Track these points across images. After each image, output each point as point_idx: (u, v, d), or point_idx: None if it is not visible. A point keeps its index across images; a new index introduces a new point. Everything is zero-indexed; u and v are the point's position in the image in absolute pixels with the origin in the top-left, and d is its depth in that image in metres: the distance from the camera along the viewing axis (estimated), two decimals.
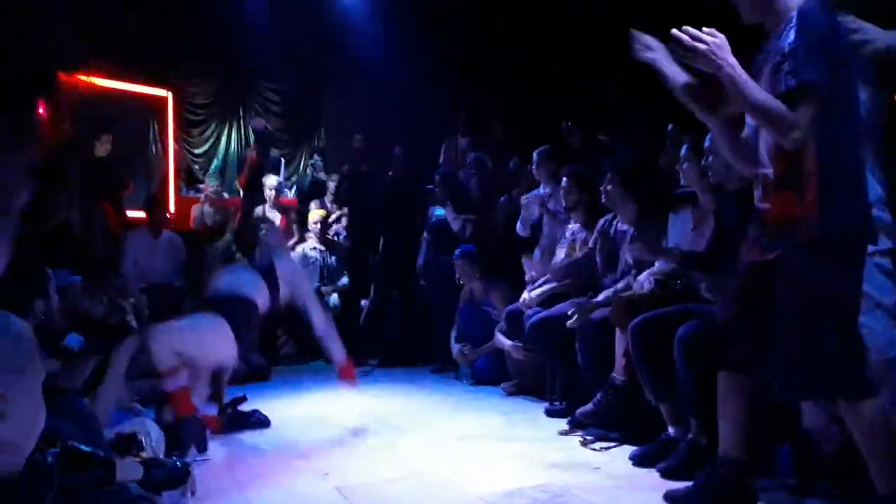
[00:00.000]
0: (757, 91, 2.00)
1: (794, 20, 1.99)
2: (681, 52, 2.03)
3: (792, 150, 2.01)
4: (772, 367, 2.13)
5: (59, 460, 1.74)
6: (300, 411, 4.31)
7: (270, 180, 7.10)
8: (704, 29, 2.02)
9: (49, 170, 5.40)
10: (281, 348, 6.35)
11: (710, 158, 3.11)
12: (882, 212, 2.42)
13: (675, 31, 2.02)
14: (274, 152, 8.81)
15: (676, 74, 2.21)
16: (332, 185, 7.06)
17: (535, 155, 5.08)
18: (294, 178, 10.32)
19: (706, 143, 3.07)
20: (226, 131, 11.15)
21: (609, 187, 3.76)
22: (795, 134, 1.98)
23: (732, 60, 2.00)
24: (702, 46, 1.99)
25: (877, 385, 2.04)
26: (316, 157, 9.04)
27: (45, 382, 1.73)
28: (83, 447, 1.86)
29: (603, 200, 3.83)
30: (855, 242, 2.04)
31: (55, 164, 5.35)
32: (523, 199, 5.13)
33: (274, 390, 5.04)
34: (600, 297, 3.73)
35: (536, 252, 4.87)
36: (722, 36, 2.02)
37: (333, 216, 7.16)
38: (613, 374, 3.36)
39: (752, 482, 2.34)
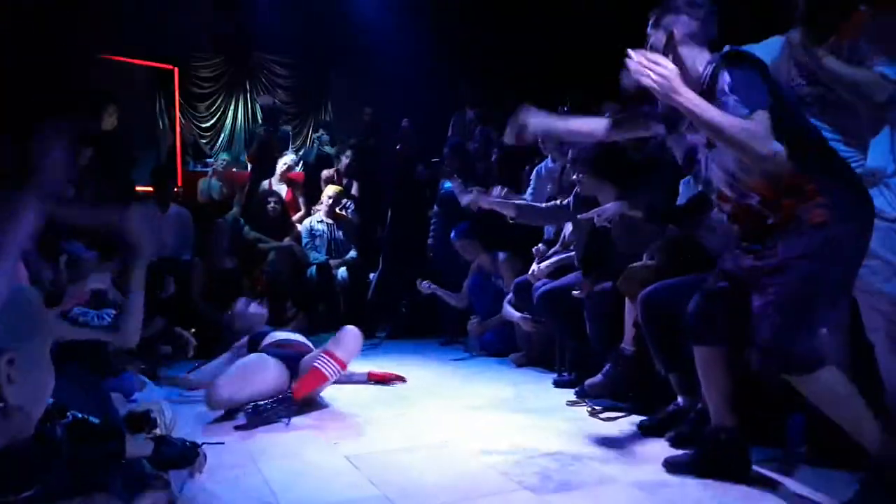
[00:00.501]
0: (719, 115, 2.01)
1: (722, 67, 2.11)
2: (640, 73, 2.05)
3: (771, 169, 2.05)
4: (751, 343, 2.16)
5: (68, 431, 1.74)
6: None
7: (286, 159, 7.08)
8: (656, 57, 2.07)
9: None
10: (290, 321, 6.37)
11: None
12: None
13: (629, 61, 2.06)
14: (284, 127, 8.78)
15: None
16: (344, 161, 7.02)
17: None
18: (301, 153, 10.32)
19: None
20: (232, 105, 11.13)
21: (582, 179, 3.74)
22: (770, 145, 1.98)
23: (685, 90, 2.02)
24: (648, 80, 2.02)
25: (826, 355, 2.09)
26: (322, 130, 9.01)
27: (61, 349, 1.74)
28: (93, 419, 1.87)
29: (581, 193, 3.81)
30: (855, 229, 2.08)
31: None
32: (533, 175, 5.09)
33: None
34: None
35: (548, 227, 4.86)
36: (672, 67, 2.04)
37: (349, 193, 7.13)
38: (622, 345, 3.36)
39: (746, 448, 2.42)
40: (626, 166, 3.68)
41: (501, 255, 5.17)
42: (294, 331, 3.88)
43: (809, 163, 2.08)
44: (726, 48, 2.20)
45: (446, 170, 5.69)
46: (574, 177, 3.80)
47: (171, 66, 9.26)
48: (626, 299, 3.29)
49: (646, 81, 2.03)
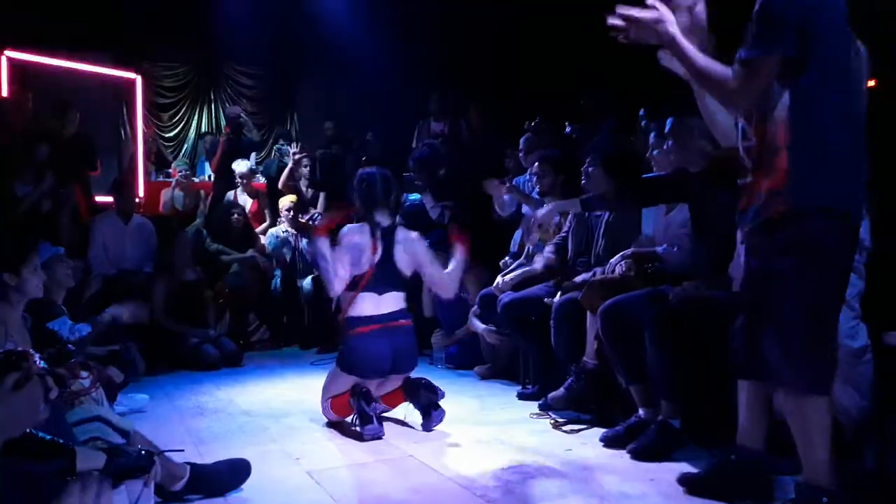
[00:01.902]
0: (699, 58, 2.00)
1: None
2: (623, 33, 2.03)
3: (765, 122, 1.99)
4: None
5: (11, 449, 1.69)
6: (272, 396, 4.29)
7: (241, 166, 7.01)
8: (648, 1, 2.04)
9: (16, 152, 5.30)
10: (253, 334, 6.30)
11: (670, 143, 3.14)
12: None
13: (612, 20, 2.03)
14: (252, 135, 8.69)
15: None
16: (305, 171, 6.98)
17: (521, 142, 5.11)
18: (262, 163, 10.23)
19: (666, 128, 3.09)
20: (196, 115, 11.01)
21: (591, 169, 3.75)
22: (741, 102, 1.99)
23: (673, 30, 2.01)
24: (645, 17, 2.00)
25: (829, 384, 2.01)
26: (282, 141, 8.94)
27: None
28: (42, 435, 1.82)
29: (583, 182, 3.83)
30: (829, 219, 1.95)
31: (23, 147, 5.25)
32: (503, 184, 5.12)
33: (246, 376, 5.01)
34: (578, 278, 3.72)
35: (515, 236, 4.89)
36: (663, 8, 2.03)
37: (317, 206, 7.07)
38: (585, 359, 3.38)
39: (769, 472, 2.31)
40: (637, 172, 3.72)
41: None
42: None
43: (802, 135, 1.96)
44: None
45: (417, 184, 5.67)
46: (584, 167, 3.81)
47: (133, 75, 9.12)
48: (588, 312, 3.31)
49: (644, 18, 2.01)
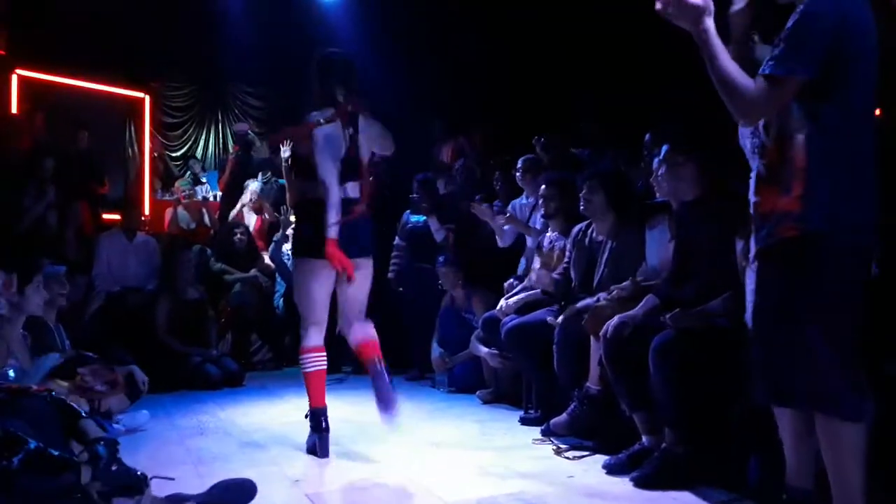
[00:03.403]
0: (727, 62, 1.93)
1: (804, 4, 1.90)
2: (664, 3, 1.93)
3: (783, 142, 1.95)
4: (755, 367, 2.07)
5: (24, 463, 1.69)
6: (273, 417, 4.27)
7: (253, 185, 7.05)
8: None
9: (23, 169, 5.34)
10: (255, 354, 6.29)
11: (661, 172, 3.15)
12: None
13: None
14: (261, 152, 8.73)
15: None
16: None
17: (519, 162, 5.08)
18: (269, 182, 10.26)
19: (655, 162, 3.10)
20: (203, 135, 11.08)
21: (592, 196, 3.73)
22: (753, 116, 1.94)
23: (710, 25, 1.93)
24: (685, 3, 1.91)
25: (863, 409, 1.94)
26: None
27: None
28: (51, 451, 1.82)
29: (582, 209, 3.81)
30: (843, 243, 1.92)
31: (30, 162, 5.29)
32: (508, 210, 5.11)
33: (247, 396, 4.99)
34: (581, 303, 3.69)
35: (522, 261, 4.86)
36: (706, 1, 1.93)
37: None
38: (587, 384, 3.35)
39: None
40: (635, 205, 3.72)
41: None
42: None
43: (820, 157, 1.91)
44: None
45: (423, 206, 5.68)
46: (582, 192, 3.79)
47: (142, 94, 9.21)
48: (591, 338, 3.29)
49: (671, 13, 1.91)
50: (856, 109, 1.95)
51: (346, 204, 3.35)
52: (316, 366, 3.41)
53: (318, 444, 3.32)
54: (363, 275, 3.49)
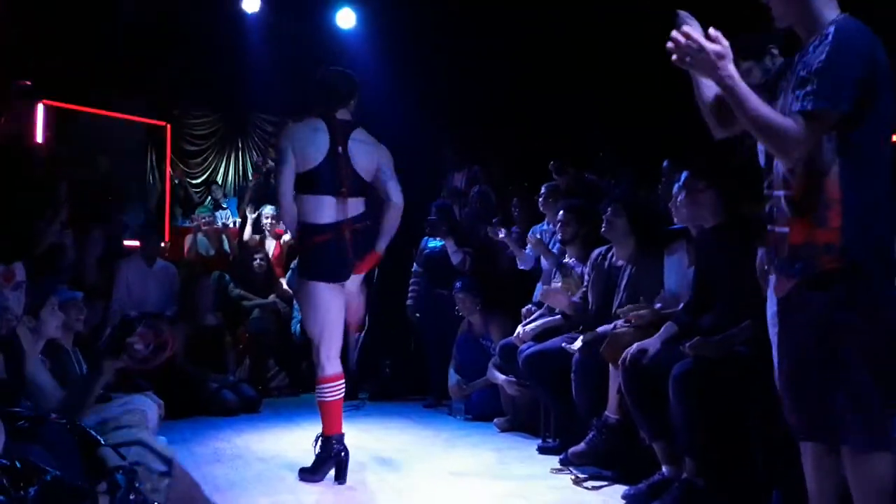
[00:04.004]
0: (758, 104, 1.89)
1: (831, 36, 1.87)
2: (680, 54, 1.90)
3: (813, 172, 1.93)
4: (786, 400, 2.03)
5: (41, 494, 1.68)
6: (289, 445, 4.24)
7: (267, 209, 7.11)
8: (712, 32, 1.90)
9: (37, 191, 5.41)
10: (272, 380, 6.28)
11: (680, 199, 3.13)
12: None
13: (675, 33, 1.89)
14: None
15: (708, 87, 2.10)
16: None
17: (543, 188, 5.10)
18: None
19: (674, 188, 3.09)
20: (224, 162, 11.22)
21: (614, 219, 3.71)
22: (796, 154, 1.90)
23: (733, 70, 1.88)
24: (703, 55, 1.87)
25: (892, 439, 1.91)
26: None
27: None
28: (68, 480, 1.81)
29: (603, 231, 3.80)
30: (884, 274, 1.90)
31: (47, 186, 5.35)
32: (529, 235, 5.11)
33: (264, 423, 4.98)
34: (600, 329, 3.65)
35: (538, 286, 4.85)
36: (726, 43, 1.89)
37: None
38: (606, 413, 3.31)
39: None
40: (656, 230, 3.71)
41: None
42: None
43: (855, 188, 1.88)
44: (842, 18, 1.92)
45: (442, 229, 5.68)
46: (605, 214, 3.77)
47: (163, 123, 9.37)
48: (610, 365, 3.26)
49: (702, 54, 1.86)
50: (880, 138, 1.95)
51: (354, 221, 3.34)
52: (335, 396, 3.38)
53: (337, 470, 3.28)
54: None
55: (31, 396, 2.56)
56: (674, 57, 1.91)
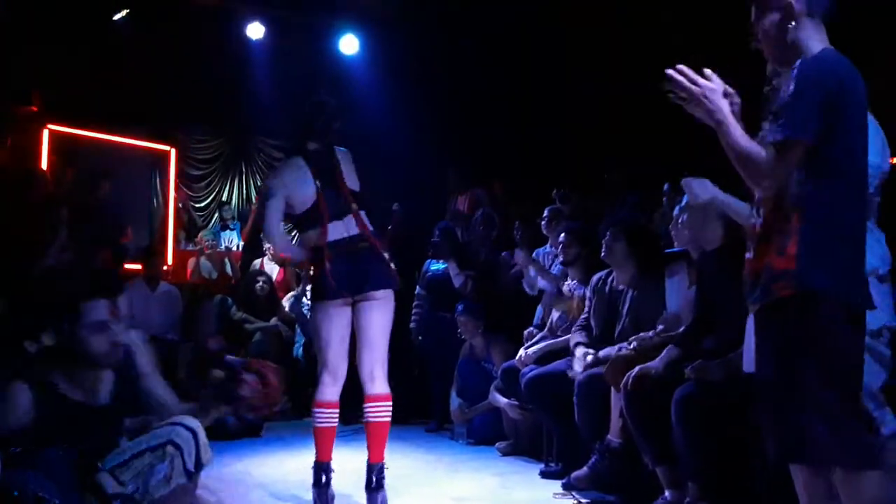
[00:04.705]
0: (741, 137, 1.97)
1: (797, 70, 1.94)
2: (675, 92, 2.01)
3: (779, 202, 1.98)
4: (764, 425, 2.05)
5: None
6: (291, 469, 4.21)
7: None
8: (706, 71, 2.01)
9: (39, 216, 5.45)
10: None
11: (685, 217, 3.14)
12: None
13: (670, 71, 2.01)
14: None
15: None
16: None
17: (546, 211, 5.12)
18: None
19: (675, 211, 3.10)
20: (227, 186, 11.27)
21: (613, 244, 3.72)
22: (765, 182, 1.97)
23: (723, 105, 1.98)
24: (696, 90, 1.98)
25: (880, 457, 1.95)
26: None
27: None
28: None
29: (603, 255, 3.80)
30: (840, 301, 1.94)
31: (49, 210, 5.38)
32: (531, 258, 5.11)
33: (266, 447, 4.96)
34: (602, 353, 3.65)
35: (538, 309, 4.84)
36: (717, 80, 2.00)
37: None
38: (609, 437, 3.29)
39: None
40: (655, 254, 3.72)
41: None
42: None
43: (815, 218, 1.94)
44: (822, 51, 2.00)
45: (444, 252, 5.69)
46: (605, 239, 3.78)
47: (168, 147, 9.43)
48: (612, 389, 3.24)
49: (695, 91, 1.97)
50: (848, 168, 1.99)
51: (351, 241, 3.33)
52: (327, 423, 3.34)
53: (318, 498, 3.25)
54: (379, 310, 3.37)
55: (153, 411, 2.58)
56: (673, 97, 2.02)
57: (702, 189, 2.77)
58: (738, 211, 2.68)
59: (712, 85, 1.98)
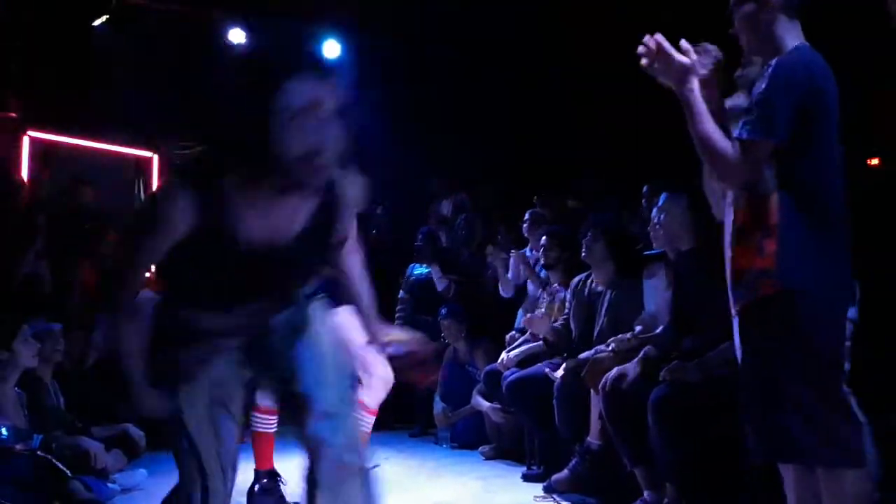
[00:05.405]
0: (708, 124, 1.96)
1: (772, 68, 1.94)
2: (649, 58, 1.97)
3: (755, 200, 1.97)
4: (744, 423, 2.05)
5: None
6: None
7: None
8: (682, 43, 1.98)
9: (18, 224, 5.41)
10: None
11: (662, 217, 3.15)
12: None
13: (647, 38, 1.98)
14: None
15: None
16: None
17: (527, 215, 5.13)
18: None
19: (653, 212, 3.11)
20: None
21: (593, 244, 3.74)
22: (732, 179, 1.98)
23: (695, 86, 1.97)
24: (678, 59, 1.95)
25: (864, 455, 1.95)
26: None
27: None
28: None
29: (583, 256, 3.82)
30: (820, 299, 1.93)
31: (25, 218, 5.35)
32: (509, 258, 5.11)
33: (246, 454, 4.88)
34: (582, 356, 3.65)
35: (519, 313, 4.85)
36: (695, 57, 1.98)
37: None
38: (589, 439, 3.30)
39: None
40: (634, 255, 3.74)
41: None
42: None
43: (793, 216, 1.93)
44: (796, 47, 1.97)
45: (427, 256, 5.69)
46: (584, 239, 3.80)
47: (150, 153, 9.37)
48: (591, 391, 3.25)
49: (674, 61, 1.94)
50: (823, 166, 1.98)
51: None
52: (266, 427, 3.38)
53: None
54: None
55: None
56: (643, 61, 1.98)
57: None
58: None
59: (687, 61, 1.96)
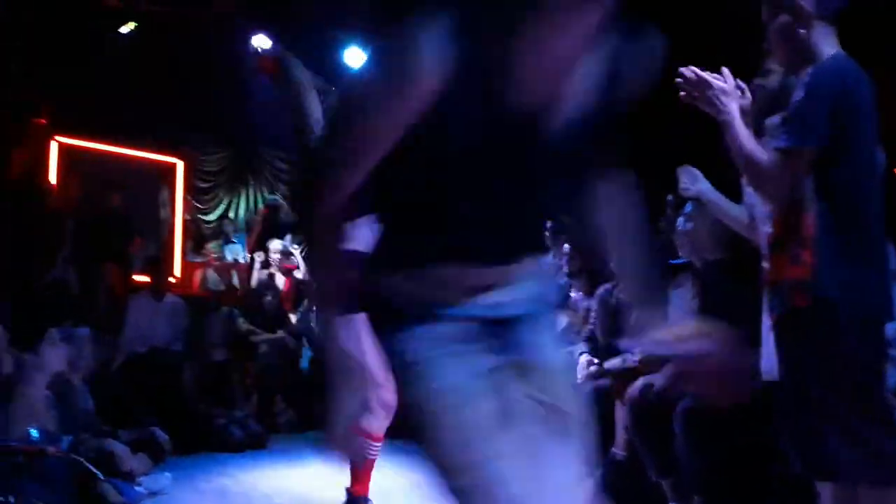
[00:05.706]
0: (748, 141, 1.99)
1: (808, 76, 1.94)
2: (687, 90, 2.03)
3: (791, 210, 1.96)
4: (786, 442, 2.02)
5: None
6: (296, 482, 4.21)
7: (275, 244, 7.14)
8: (724, 71, 2.03)
9: (47, 229, 5.49)
10: (279, 416, 6.25)
11: (689, 226, 3.13)
12: None
13: (684, 69, 2.03)
14: (286, 219, 8.88)
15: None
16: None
17: (548, 223, 5.11)
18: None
19: (678, 223, 3.09)
20: (235, 198, 11.31)
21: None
22: (771, 189, 1.98)
23: (733, 108, 2.00)
24: (708, 92, 2.00)
25: None
26: None
27: None
28: None
29: (611, 265, 3.77)
30: (856, 311, 1.89)
31: (54, 223, 5.42)
32: None
33: (270, 459, 4.94)
34: (608, 365, 3.62)
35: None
36: (731, 81, 2.03)
37: None
38: (614, 449, 3.27)
39: None
40: (662, 257, 3.69)
41: None
42: None
43: (829, 225, 1.91)
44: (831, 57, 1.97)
45: None
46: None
47: (175, 160, 9.49)
48: (616, 401, 3.23)
49: (707, 91, 2.00)
50: (858, 175, 1.97)
51: None
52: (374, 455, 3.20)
53: None
54: None
55: None
56: (682, 94, 2.04)
57: (691, 180, 2.72)
58: (727, 211, 2.66)
59: (724, 85, 2.00)
